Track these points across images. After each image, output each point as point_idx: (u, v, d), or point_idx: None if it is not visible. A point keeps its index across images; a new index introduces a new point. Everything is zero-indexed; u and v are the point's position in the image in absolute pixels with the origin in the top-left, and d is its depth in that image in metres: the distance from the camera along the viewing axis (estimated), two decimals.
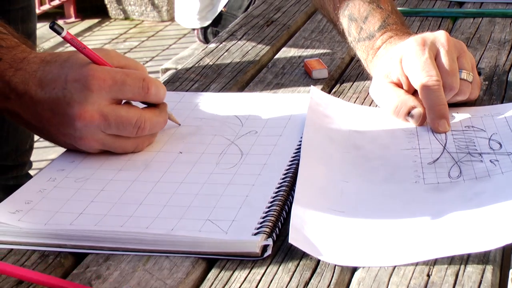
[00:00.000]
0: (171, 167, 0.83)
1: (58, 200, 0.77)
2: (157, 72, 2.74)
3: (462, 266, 0.64)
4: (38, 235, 0.71)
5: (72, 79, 0.81)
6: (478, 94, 0.97)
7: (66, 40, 0.82)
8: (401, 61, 0.92)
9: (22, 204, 0.76)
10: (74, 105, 0.81)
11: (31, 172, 1.47)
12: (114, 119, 0.82)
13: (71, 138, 0.83)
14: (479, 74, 1.05)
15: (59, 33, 0.81)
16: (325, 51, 1.19)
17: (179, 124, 0.92)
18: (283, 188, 0.76)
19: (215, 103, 1.00)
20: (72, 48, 0.84)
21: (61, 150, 0.89)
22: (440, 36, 0.93)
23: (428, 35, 0.93)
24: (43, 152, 2.95)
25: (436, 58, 0.91)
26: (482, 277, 0.63)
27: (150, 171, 0.82)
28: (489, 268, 0.64)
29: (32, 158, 1.54)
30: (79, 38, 4.57)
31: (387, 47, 0.99)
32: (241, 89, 1.08)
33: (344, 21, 1.07)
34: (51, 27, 0.81)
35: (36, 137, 2.88)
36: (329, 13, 1.12)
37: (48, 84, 0.82)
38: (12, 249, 0.70)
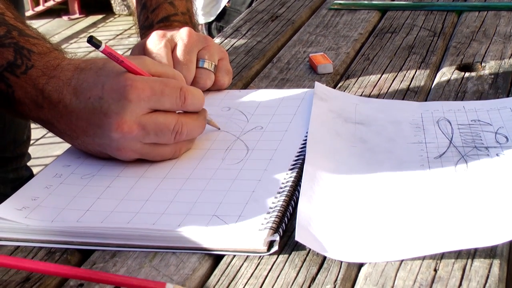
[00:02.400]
0: (177, 163, 0.83)
1: (64, 196, 0.77)
2: None
3: (469, 261, 0.64)
4: (45, 232, 0.71)
5: (109, 89, 0.79)
6: (229, 82, 1.04)
7: (104, 54, 0.80)
8: (143, 49, 1.00)
9: (29, 200, 0.76)
10: (111, 115, 0.79)
11: (35, 168, 1.47)
12: (152, 127, 0.80)
13: (107, 148, 0.82)
14: (484, 67, 1.05)
15: (97, 47, 0.79)
16: (330, 45, 1.19)
17: (219, 129, 0.90)
18: (289, 183, 0.76)
19: (220, 99, 1.00)
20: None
21: (66, 146, 0.88)
22: (181, 31, 1.01)
23: (172, 31, 1.02)
24: (48, 148, 2.95)
25: (173, 50, 0.99)
26: (489, 271, 0.62)
27: (156, 167, 0.82)
28: (496, 263, 0.63)
29: (37, 154, 1.55)
30: (84, 34, 4.60)
31: None
32: (246, 84, 1.08)
33: (138, 8, 1.15)
34: (89, 41, 0.78)
35: (41, 133, 2.89)
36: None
37: (83, 92, 0.80)
38: (19, 246, 0.71)
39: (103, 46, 0.79)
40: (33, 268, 0.64)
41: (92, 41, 0.78)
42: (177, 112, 0.83)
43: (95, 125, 0.80)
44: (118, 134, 0.79)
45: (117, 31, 4.66)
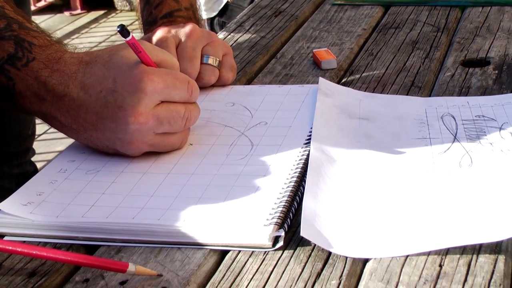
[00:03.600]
0: (182, 159, 0.83)
1: (69, 192, 0.77)
2: None
3: (474, 256, 0.64)
4: (50, 228, 0.71)
5: (123, 82, 0.79)
6: (233, 77, 1.04)
7: (129, 43, 0.80)
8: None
9: (34, 195, 0.76)
10: (127, 108, 0.79)
11: (38, 163, 1.47)
12: (165, 116, 0.81)
13: (116, 142, 0.81)
14: (488, 63, 1.05)
15: (125, 37, 0.79)
16: (333, 41, 1.19)
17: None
18: (294, 178, 0.76)
19: (224, 94, 1.00)
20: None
21: (69, 141, 0.88)
22: (186, 27, 1.01)
23: (177, 26, 1.02)
24: (51, 144, 2.95)
25: (178, 46, 0.99)
26: (494, 267, 0.62)
27: (161, 162, 0.82)
28: (501, 258, 0.63)
29: (39, 150, 1.55)
30: (85, 30, 4.60)
31: None
32: (250, 80, 1.08)
33: (142, 4, 1.14)
34: (119, 30, 0.79)
35: (43, 129, 2.89)
36: None
37: (93, 86, 0.80)
38: (24, 241, 0.71)
39: (130, 37, 0.80)
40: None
41: (123, 30, 0.79)
42: None
43: (108, 119, 0.80)
44: (135, 126, 0.79)
45: None
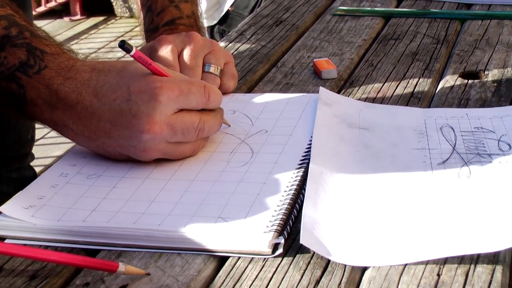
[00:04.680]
0: (183, 165, 0.83)
1: (70, 196, 0.77)
2: None
3: (472, 266, 0.64)
4: (52, 231, 0.72)
5: (137, 90, 0.80)
6: (234, 86, 1.04)
7: (134, 58, 0.80)
8: (150, 52, 1.00)
9: (35, 199, 0.77)
10: (142, 116, 0.79)
11: (36, 168, 1.48)
12: (180, 126, 0.81)
13: (130, 149, 0.82)
14: (486, 75, 1.06)
15: (128, 52, 0.79)
16: (334, 51, 1.20)
17: (229, 125, 0.92)
18: (294, 186, 0.76)
19: (225, 102, 1.00)
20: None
21: (67, 146, 0.89)
22: (188, 35, 1.02)
23: (179, 34, 1.03)
24: (48, 149, 2.95)
25: (180, 54, 1.00)
26: (492, 277, 0.63)
27: (162, 168, 0.83)
28: (499, 268, 0.64)
29: (37, 155, 1.55)
30: (85, 36, 4.60)
31: None
32: (251, 88, 1.09)
33: (143, 11, 1.15)
34: (121, 46, 0.79)
35: (41, 134, 2.89)
36: (137, 0, 1.20)
37: (106, 94, 0.80)
38: (25, 245, 0.71)
39: (134, 51, 0.80)
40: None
41: (125, 46, 0.79)
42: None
43: (122, 127, 0.80)
44: (149, 135, 0.80)
45: (118, 33, 4.67)
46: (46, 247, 0.71)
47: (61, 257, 0.65)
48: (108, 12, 5.08)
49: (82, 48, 4.35)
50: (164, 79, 0.81)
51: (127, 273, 0.65)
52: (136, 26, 4.73)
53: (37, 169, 1.47)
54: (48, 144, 2.95)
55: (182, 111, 0.82)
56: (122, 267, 0.64)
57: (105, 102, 0.80)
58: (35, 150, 1.47)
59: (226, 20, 2.51)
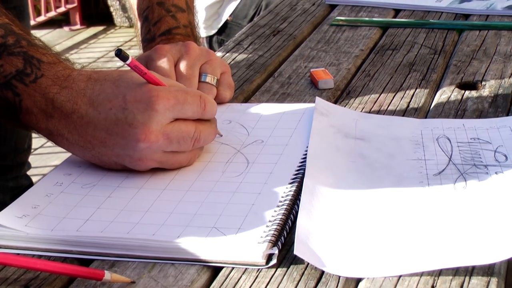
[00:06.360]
0: (178, 175, 0.83)
1: (64, 205, 0.77)
2: None
3: (467, 278, 0.64)
4: (45, 241, 0.71)
5: (133, 99, 0.80)
6: (231, 96, 1.04)
7: (130, 66, 0.80)
8: (146, 62, 1.00)
9: (29, 208, 0.76)
10: (138, 126, 0.79)
11: (33, 177, 1.48)
12: (175, 135, 0.81)
13: (126, 159, 0.82)
14: (484, 86, 1.06)
15: (124, 60, 0.79)
16: (331, 61, 1.20)
17: (221, 135, 0.92)
18: (289, 197, 0.76)
19: (221, 112, 1.00)
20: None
21: (64, 156, 0.88)
22: (184, 45, 1.02)
23: (176, 44, 1.03)
24: (47, 158, 2.95)
25: (176, 64, 1.00)
26: None
27: (157, 178, 0.82)
28: (493, 281, 0.64)
29: (35, 164, 1.55)
30: (84, 45, 4.61)
31: None
32: (247, 98, 1.08)
33: (140, 21, 1.15)
34: (117, 55, 0.79)
35: (39, 143, 2.89)
36: (134, 10, 1.20)
37: (102, 103, 0.80)
38: (18, 254, 0.71)
39: (130, 59, 0.80)
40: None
41: (121, 54, 0.79)
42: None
43: (118, 135, 0.80)
44: (145, 144, 0.80)
45: (118, 43, 4.67)
46: (40, 256, 0.71)
47: (47, 266, 0.65)
48: (107, 22, 5.08)
49: (81, 57, 4.36)
50: (160, 88, 0.81)
51: (112, 281, 0.65)
52: (136, 36, 4.74)
53: (35, 178, 1.47)
54: (46, 154, 2.95)
55: (178, 120, 0.82)
56: (108, 275, 0.65)
57: (101, 111, 0.80)
58: (33, 160, 1.47)
59: (225, 29, 2.51)
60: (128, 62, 0.80)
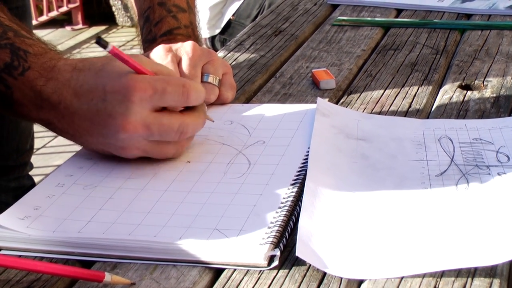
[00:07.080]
0: (179, 176, 0.83)
1: (66, 207, 0.77)
2: None
3: (469, 279, 0.64)
4: (47, 243, 0.71)
5: (112, 90, 0.80)
6: (233, 96, 1.04)
7: (111, 54, 0.80)
8: None
9: (31, 209, 0.76)
10: (116, 116, 0.80)
11: (35, 177, 1.48)
12: (157, 127, 0.81)
13: (111, 147, 0.83)
14: (486, 86, 1.05)
15: (104, 47, 0.79)
16: (332, 61, 1.20)
17: (213, 121, 0.92)
18: (291, 198, 0.76)
19: (223, 113, 1.00)
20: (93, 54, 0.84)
21: (67, 156, 0.89)
22: (186, 45, 1.02)
23: (177, 44, 1.02)
24: (49, 158, 2.95)
25: (178, 64, 1.00)
26: None
27: (158, 179, 0.82)
28: (496, 282, 0.64)
29: (37, 164, 1.55)
30: (86, 45, 4.61)
31: None
32: (249, 98, 1.08)
33: (141, 21, 1.15)
34: (97, 42, 0.79)
35: (42, 143, 2.89)
36: (135, 10, 1.20)
37: (85, 94, 0.81)
38: (20, 256, 0.71)
39: (110, 47, 0.80)
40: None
41: (101, 42, 0.79)
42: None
43: (100, 125, 0.81)
44: (124, 134, 0.81)
45: (120, 42, 4.67)
46: (41, 258, 0.71)
47: (47, 268, 0.65)
48: (110, 21, 5.08)
49: (83, 57, 4.36)
50: (139, 78, 0.81)
51: (113, 283, 0.65)
52: (138, 35, 4.74)
53: (38, 178, 1.47)
54: (48, 154, 2.95)
55: (163, 111, 0.82)
56: (108, 277, 0.65)
57: (83, 102, 0.82)
58: (36, 160, 1.47)
59: (228, 29, 2.51)
60: (108, 49, 0.80)
